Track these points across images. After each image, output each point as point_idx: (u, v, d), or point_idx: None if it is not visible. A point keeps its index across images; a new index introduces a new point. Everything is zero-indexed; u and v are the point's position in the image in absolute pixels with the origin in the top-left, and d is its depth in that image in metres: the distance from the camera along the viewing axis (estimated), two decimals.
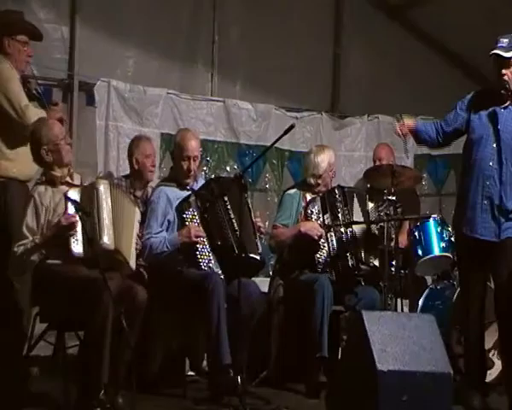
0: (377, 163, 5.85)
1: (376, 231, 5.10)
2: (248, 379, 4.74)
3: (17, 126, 4.56)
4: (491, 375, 4.92)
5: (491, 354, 4.95)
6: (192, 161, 4.75)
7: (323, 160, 5.15)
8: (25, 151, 4.49)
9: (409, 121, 4.62)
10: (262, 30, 6.59)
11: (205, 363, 4.85)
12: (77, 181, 4.35)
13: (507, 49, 4.30)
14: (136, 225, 4.34)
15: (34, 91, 4.91)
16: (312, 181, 5.16)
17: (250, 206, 4.79)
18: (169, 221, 4.70)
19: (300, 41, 6.71)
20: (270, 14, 6.60)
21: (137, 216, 4.37)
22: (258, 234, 4.72)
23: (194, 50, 6.44)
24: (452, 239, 5.37)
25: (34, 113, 4.58)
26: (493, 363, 4.98)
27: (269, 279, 5.24)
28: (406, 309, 5.41)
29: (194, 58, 6.44)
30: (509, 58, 4.31)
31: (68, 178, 4.29)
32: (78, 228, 4.04)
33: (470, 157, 4.43)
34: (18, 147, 4.56)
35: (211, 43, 6.47)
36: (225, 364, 4.35)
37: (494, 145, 4.36)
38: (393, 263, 5.13)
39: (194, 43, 6.43)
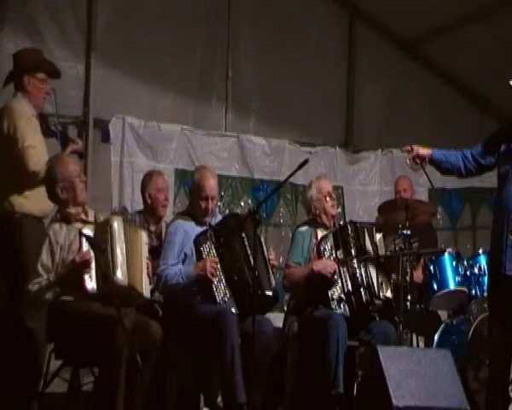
0: (402, 194, 5.84)
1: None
2: None
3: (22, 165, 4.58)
4: None
5: (509, 390, 4.87)
6: (210, 200, 4.77)
7: (312, 190, 5.20)
8: (39, 188, 4.54)
9: (422, 150, 4.49)
10: (275, 65, 6.64)
11: (219, 399, 4.82)
12: (91, 217, 4.38)
13: None
14: (145, 249, 4.32)
15: (53, 128, 4.97)
16: (312, 216, 5.19)
17: (262, 241, 4.79)
18: (185, 254, 4.71)
19: (314, 76, 6.75)
20: (283, 49, 6.66)
21: (144, 239, 4.34)
22: (271, 269, 4.72)
23: (208, 86, 6.50)
24: (467, 273, 5.35)
25: (33, 154, 4.57)
26: (511, 399, 4.91)
27: (283, 315, 5.23)
28: (422, 345, 5.36)
29: (208, 94, 6.49)
30: None
31: (83, 215, 4.32)
32: (92, 265, 4.07)
33: (499, 192, 4.31)
34: (29, 185, 4.58)
35: (225, 80, 6.53)
36: (240, 402, 4.31)
37: None
38: (408, 298, 5.10)
39: (208, 80, 6.49)
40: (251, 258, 4.53)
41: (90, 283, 4.06)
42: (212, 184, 4.79)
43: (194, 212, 4.84)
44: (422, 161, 4.50)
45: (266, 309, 4.69)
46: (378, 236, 5.09)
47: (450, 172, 4.54)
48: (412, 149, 4.50)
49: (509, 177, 4.28)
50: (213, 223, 4.80)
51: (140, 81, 6.15)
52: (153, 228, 5.26)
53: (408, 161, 4.55)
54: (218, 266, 4.60)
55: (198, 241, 4.67)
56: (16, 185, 4.61)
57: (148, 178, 5.37)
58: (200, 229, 4.74)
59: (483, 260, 5.33)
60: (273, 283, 4.70)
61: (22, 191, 4.61)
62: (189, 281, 4.58)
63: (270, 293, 4.61)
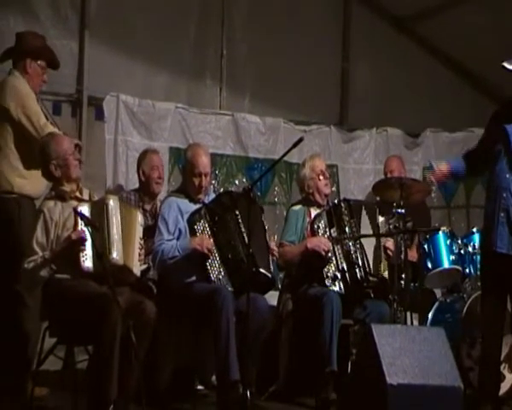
0: (388, 175, 5.84)
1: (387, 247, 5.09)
2: (257, 394, 4.75)
3: (34, 144, 4.54)
4: (502, 389, 4.88)
5: (502, 368, 4.90)
6: (203, 177, 4.77)
7: (305, 169, 5.22)
8: (38, 169, 4.52)
9: (442, 167, 4.50)
10: (270, 44, 6.60)
11: (214, 377, 4.84)
12: (86, 196, 4.37)
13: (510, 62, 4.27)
14: (140, 230, 4.32)
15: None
16: (306, 194, 5.21)
17: (265, 225, 4.78)
18: (180, 230, 4.71)
19: (309, 54, 6.71)
20: (278, 28, 6.61)
21: (140, 219, 4.34)
22: (270, 255, 4.71)
23: (203, 64, 6.46)
24: (462, 252, 5.36)
25: (51, 130, 4.57)
26: (504, 377, 4.94)
27: (277, 293, 5.24)
28: (416, 323, 5.39)
29: (203, 72, 6.46)
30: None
31: (77, 193, 4.31)
32: (88, 243, 4.06)
33: (492, 169, 4.35)
34: (34, 165, 4.54)
35: (219, 58, 6.49)
36: (234, 380, 4.32)
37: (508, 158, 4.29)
38: (403, 276, 5.11)
39: (203, 58, 6.46)
40: (245, 236, 4.53)
41: (86, 261, 4.06)
42: (204, 161, 4.79)
43: (187, 189, 4.84)
44: (444, 179, 4.57)
45: (263, 291, 4.67)
46: (381, 218, 5.10)
47: (465, 178, 4.72)
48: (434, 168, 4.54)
49: (501, 155, 4.31)
50: (207, 201, 4.80)
51: (134, 59, 6.11)
52: (148, 207, 5.28)
53: (432, 179, 4.59)
54: (212, 244, 4.60)
55: (192, 219, 4.67)
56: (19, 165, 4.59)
57: (143, 155, 5.44)
58: (193, 206, 4.74)
59: (477, 239, 5.35)
60: (272, 266, 4.70)
61: (22, 172, 4.60)
62: (185, 254, 4.57)
63: (265, 271, 4.61)
